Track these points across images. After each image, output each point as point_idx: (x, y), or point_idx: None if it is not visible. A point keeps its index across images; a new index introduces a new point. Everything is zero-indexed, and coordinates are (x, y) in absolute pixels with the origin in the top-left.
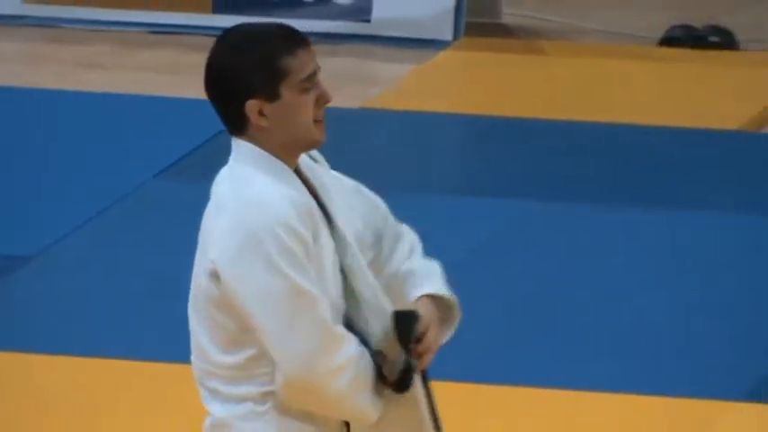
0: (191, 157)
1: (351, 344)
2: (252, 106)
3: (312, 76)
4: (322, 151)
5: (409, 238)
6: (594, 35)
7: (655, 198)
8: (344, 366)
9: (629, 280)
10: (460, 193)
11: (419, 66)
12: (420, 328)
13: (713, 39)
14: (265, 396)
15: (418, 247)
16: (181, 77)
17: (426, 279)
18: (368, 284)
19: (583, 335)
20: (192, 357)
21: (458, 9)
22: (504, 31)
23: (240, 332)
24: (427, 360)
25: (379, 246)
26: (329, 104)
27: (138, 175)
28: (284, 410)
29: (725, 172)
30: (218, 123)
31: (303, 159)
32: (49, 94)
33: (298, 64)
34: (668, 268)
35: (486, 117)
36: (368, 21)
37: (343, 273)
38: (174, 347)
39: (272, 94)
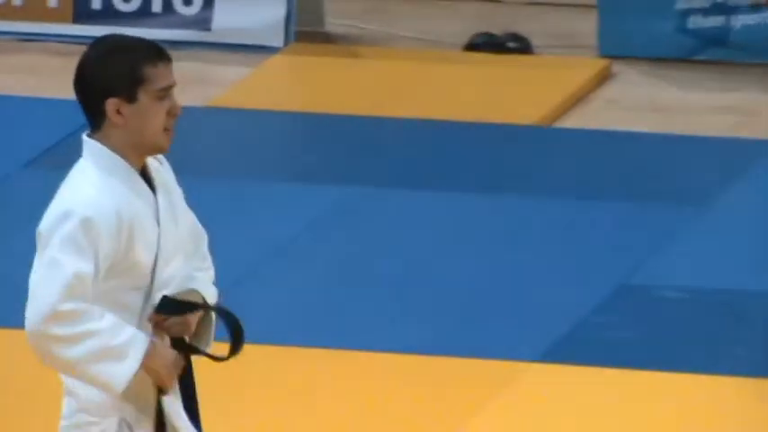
0: (50, 152)
1: (99, 321)
2: (111, 104)
3: (168, 88)
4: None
5: (208, 263)
6: (407, 41)
7: (457, 184)
8: (81, 338)
9: (431, 254)
10: (289, 180)
11: (254, 69)
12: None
13: (511, 44)
14: None
15: (210, 268)
16: (44, 79)
17: (204, 286)
18: (174, 268)
19: (391, 302)
20: None
21: (288, 19)
22: (328, 38)
23: None
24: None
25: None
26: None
27: (3, 166)
28: None
29: (519, 161)
30: (74, 122)
31: (150, 162)
32: None
33: (157, 75)
34: (465, 243)
35: (311, 114)
36: (209, 29)
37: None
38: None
39: (130, 97)
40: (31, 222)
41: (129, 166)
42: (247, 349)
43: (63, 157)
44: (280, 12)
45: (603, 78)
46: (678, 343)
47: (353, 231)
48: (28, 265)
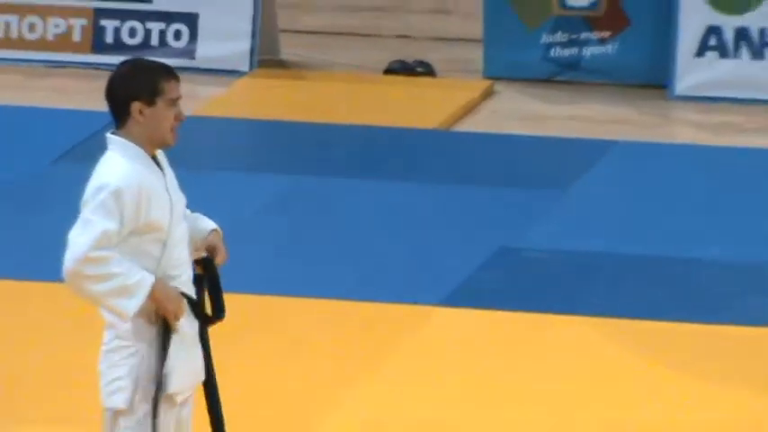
0: (71, 151)
1: (118, 266)
2: (136, 106)
3: (176, 99)
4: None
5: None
6: (341, 66)
7: (379, 173)
8: (104, 278)
9: (356, 224)
10: (249, 170)
11: (228, 88)
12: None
13: (419, 69)
14: None
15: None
16: (68, 96)
17: (209, 222)
18: (180, 235)
19: (323, 263)
20: None
21: (252, 50)
22: (282, 65)
23: None
24: (221, 260)
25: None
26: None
27: (35, 160)
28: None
29: (425, 156)
30: (90, 128)
31: (159, 153)
32: None
33: (170, 88)
34: (383, 216)
35: (270, 121)
36: (194, 59)
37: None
38: None
39: (150, 102)
40: (59, 203)
41: (145, 154)
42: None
43: (82, 156)
44: (246, 45)
45: (487, 95)
46: (544, 292)
47: (298, 210)
48: (62, 234)
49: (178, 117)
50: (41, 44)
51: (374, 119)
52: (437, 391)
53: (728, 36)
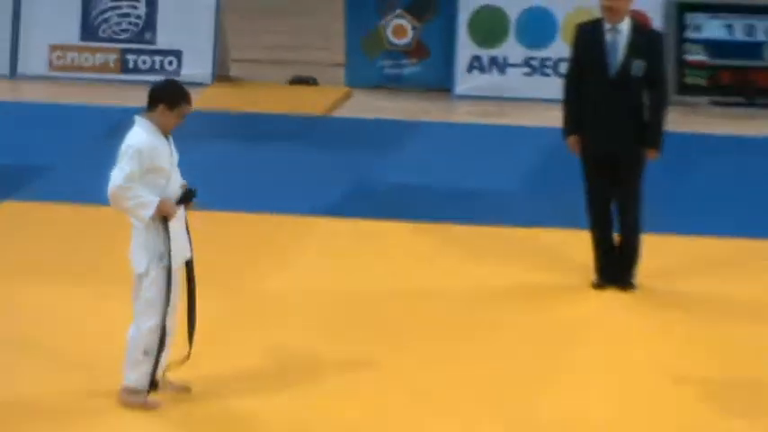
0: (109, 132)
1: (138, 191)
2: (161, 107)
3: (185, 114)
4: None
5: None
6: (266, 79)
7: (283, 143)
8: (130, 197)
9: (260, 174)
10: (204, 141)
11: (200, 94)
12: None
13: (309, 81)
14: None
15: None
16: (103, 99)
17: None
18: (175, 177)
19: (244, 195)
20: None
21: (213, 71)
22: (230, 80)
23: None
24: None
25: None
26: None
27: (86, 134)
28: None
29: (311, 129)
30: (117, 120)
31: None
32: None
33: (186, 107)
34: (282, 174)
35: (222, 111)
36: (179, 76)
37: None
38: None
39: (170, 108)
40: (102, 161)
41: (157, 130)
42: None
43: (119, 129)
44: (209, 68)
45: (348, 96)
46: (400, 210)
47: (233, 157)
48: (104, 178)
49: (180, 122)
50: (86, 68)
51: (283, 109)
52: None
53: (485, 61)
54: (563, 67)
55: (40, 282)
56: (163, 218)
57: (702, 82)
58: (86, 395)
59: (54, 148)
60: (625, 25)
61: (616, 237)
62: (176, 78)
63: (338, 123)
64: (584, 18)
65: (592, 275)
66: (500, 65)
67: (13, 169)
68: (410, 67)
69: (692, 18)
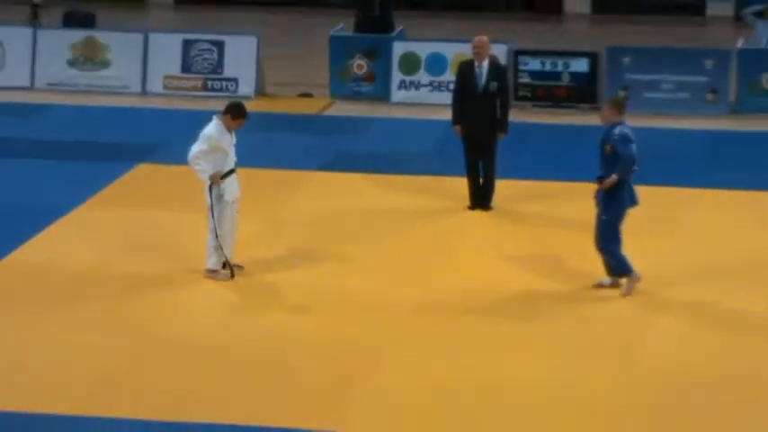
0: (188, 129)
1: (202, 162)
2: (228, 115)
3: (240, 126)
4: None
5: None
6: (286, 94)
7: (264, 131)
8: (196, 164)
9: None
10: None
11: (249, 103)
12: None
13: (308, 94)
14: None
15: None
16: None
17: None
18: (231, 155)
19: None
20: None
21: (256, 88)
22: (266, 94)
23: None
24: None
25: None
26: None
27: (185, 125)
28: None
29: (310, 123)
30: (187, 122)
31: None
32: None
33: (242, 118)
34: (261, 149)
35: (262, 111)
36: (237, 93)
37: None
38: None
39: (234, 118)
40: (194, 141)
41: (224, 126)
42: None
43: (201, 126)
44: (252, 86)
45: (332, 103)
46: (364, 167)
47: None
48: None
49: (238, 127)
50: (188, 89)
51: (294, 110)
52: None
53: (408, 83)
54: (451, 86)
55: (164, 208)
56: (214, 179)
57: (528, 94)
58: (187, 272)
59: (168, 134)
60: (486, 62)
61: (480, 180)
62: (235, 95)
63: (326, 119)
64: (464, 59)
65: (467, 201)
66: (416, 85)
67: (146, 144)
68: (366, 87)
69: (522, 58)
